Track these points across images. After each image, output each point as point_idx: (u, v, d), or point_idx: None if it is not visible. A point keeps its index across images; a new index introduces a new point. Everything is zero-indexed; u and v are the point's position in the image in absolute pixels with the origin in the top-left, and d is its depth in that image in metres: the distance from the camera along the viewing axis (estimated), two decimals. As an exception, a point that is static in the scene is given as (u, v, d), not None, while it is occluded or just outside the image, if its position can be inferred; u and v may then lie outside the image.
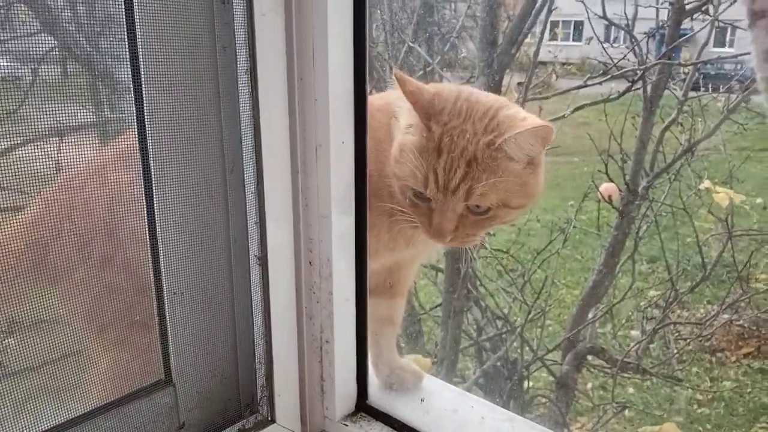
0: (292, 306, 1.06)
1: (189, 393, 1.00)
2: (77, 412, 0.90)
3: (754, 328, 3.78)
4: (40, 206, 0.86)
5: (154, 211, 0.91)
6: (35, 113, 0.78)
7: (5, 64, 0.80)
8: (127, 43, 0.84)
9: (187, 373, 0.99)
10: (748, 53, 0.55)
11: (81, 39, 0.87)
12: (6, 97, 0.76)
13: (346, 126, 0.99)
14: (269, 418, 1.07)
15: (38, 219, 0.85)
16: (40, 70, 0.82)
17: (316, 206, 1.01)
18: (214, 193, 0.96)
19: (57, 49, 0.85)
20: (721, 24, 2.58)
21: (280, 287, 1.04)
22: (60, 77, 0.86)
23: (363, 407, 1.12)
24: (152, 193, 0.90)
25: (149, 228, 0.92)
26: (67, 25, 0.88)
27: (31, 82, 0.79)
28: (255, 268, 1.02)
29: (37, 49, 0.81)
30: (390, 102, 1.09)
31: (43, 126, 0.79)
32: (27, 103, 0.77)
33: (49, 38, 0.83)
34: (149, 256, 0.93)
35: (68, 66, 0.88)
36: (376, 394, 1.16)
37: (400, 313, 1.29)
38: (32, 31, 0.81)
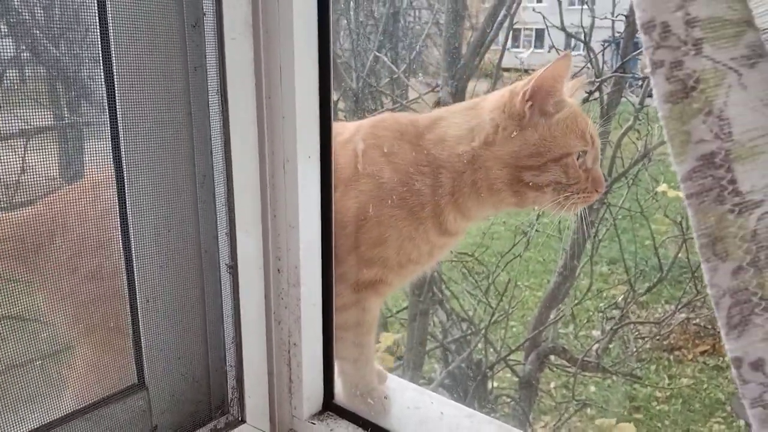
0: (262, 311, 1.11)
1: (162, 396, 1.03)
2: (53, 416, 0.92)
3: (710, 326, 3.91)
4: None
5: (128, 222, 0.94)
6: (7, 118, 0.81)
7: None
8: (101, 62, 0.87)
9: (159, 377, 1.03)
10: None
11: (59, 55, 0.90)
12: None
13: (312, 142, 1.04)
14: (239, 419, 1.12)
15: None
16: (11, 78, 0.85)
17: (285, 217, 1.06)
18: (185, 205, 1.00)
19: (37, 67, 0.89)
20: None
21: (250, 294, 1.08)
22: (37, 92, 0.90)
23: (330, 406, 1.17)
24: (126, 206, 0.93)
25: (123, 239, 0.95)
26: (46, 42, 0.91)
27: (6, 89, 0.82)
28: (226, 276, 1.06)
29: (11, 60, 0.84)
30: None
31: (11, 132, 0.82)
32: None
33: (27, 54, 0.87)
34: (123, 266, 0.97)
35: (45, 81, 0.92)
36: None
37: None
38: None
